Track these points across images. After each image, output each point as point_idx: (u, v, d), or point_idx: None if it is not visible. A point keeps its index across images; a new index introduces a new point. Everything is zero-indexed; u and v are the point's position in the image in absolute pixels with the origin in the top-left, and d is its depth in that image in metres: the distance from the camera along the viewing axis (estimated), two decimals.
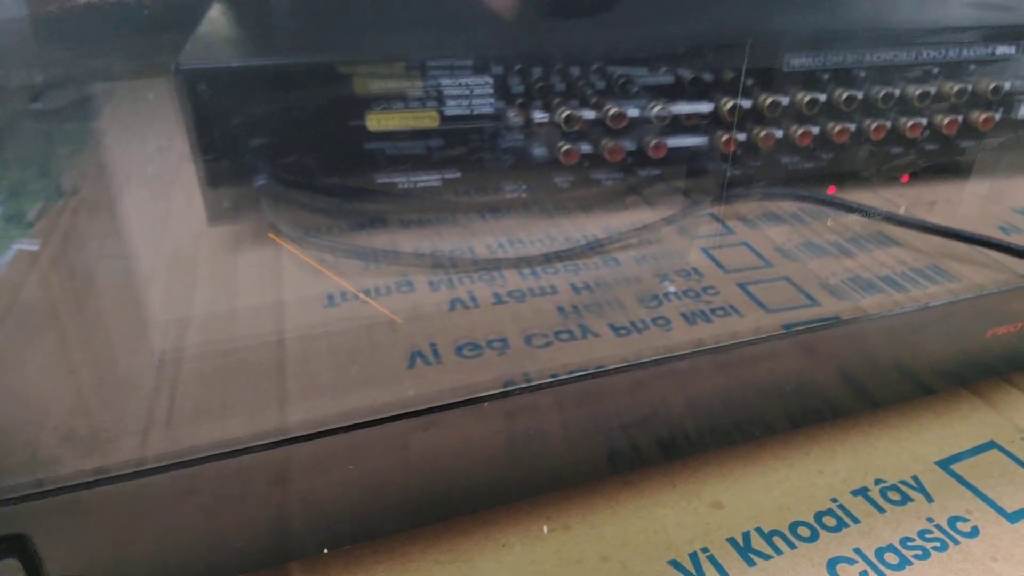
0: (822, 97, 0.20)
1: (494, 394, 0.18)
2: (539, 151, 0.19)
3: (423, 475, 0.18)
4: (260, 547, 0.17)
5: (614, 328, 0.21)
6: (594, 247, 0.22)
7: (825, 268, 0.23)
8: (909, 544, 0.20)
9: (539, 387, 0.18)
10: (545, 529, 0.20)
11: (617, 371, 0.19)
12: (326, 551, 0.18)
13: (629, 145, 0.19)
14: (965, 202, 0.24)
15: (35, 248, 0.12)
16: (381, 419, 0.17)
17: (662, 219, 0.22)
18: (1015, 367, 0.26)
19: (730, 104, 0.19)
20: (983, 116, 0.22)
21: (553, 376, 0.19)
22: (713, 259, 0.23)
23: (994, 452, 0.23)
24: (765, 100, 0.20)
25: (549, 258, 0.21)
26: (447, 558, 0.19)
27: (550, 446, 0.19)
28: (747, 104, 0.20)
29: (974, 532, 0.21)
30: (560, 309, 0.21)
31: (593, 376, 0.19)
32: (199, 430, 0.16)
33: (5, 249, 0.12)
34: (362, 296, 0.17)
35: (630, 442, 0.21)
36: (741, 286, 0.23)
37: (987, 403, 0.25)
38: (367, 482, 0.18)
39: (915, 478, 0.22)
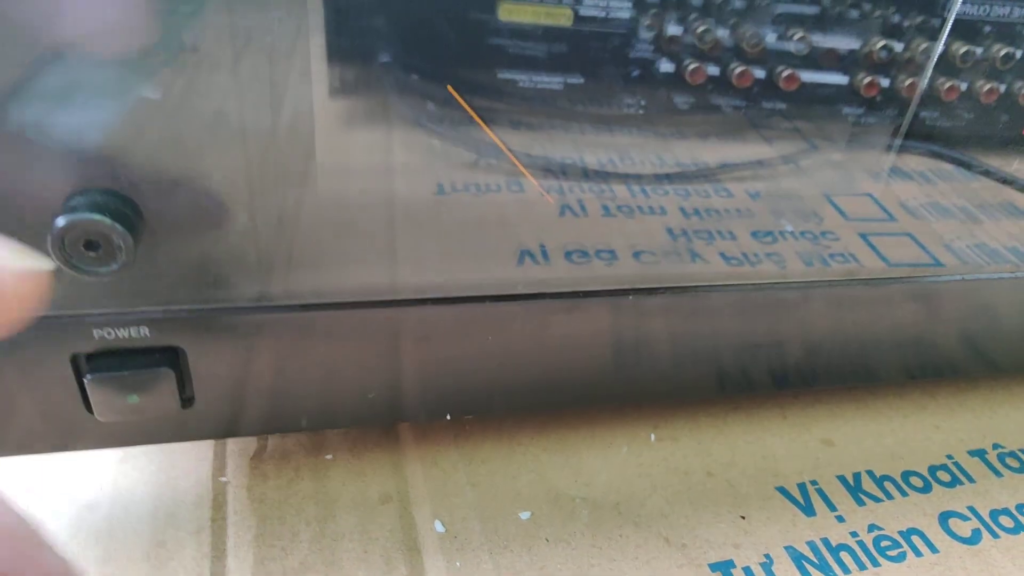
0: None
1: (624, 290, 0.17)
2: (666, 67, 0.18)
3: (541, 362, 0.18)
4: (376, 403, 0.18)
5: (724, 256, 0.20)
6: (717, 174, 0.21)
7: (951, 230, 0.22)
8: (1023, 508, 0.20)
9: (655, 291, 0.18)
10: (652, 436, 0.20)
11: (729, 288, 0.19)
12: (447, 416, 0.18)
13: (759, 73, 0.18)
14: None
15: (156, 97, 0.12)
16: (514, 296, 0.17)
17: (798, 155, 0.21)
18: None
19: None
20: None
21: (667, 284, 0.18)
22: (836, 206, 0.22)
23: None
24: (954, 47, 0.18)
25: (662, 179, 0.20)
26: (556, 447, 0.20)
27: (662, 356, 0.19)
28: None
29: None
30: (669, 230, 0.20)
31: (706, 290, 0.19)
32: (342, 277, 0.16)
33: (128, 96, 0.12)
34: (513, 160, 0.17)
35: (741, 366, 0.21)
36: (862, 236, 0.22)
37: None
38: (486, 358, 0.18)
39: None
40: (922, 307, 0.21)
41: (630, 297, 0.18)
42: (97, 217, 0.12)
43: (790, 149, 0.20)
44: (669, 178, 0.19)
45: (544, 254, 0.19)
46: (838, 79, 0.19)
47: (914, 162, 0.21)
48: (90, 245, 0.13)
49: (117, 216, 0.13)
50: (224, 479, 0.18)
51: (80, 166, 0.13)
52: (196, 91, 0.13)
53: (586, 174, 0.18)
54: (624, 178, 0.18)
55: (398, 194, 0.15)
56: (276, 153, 0.14)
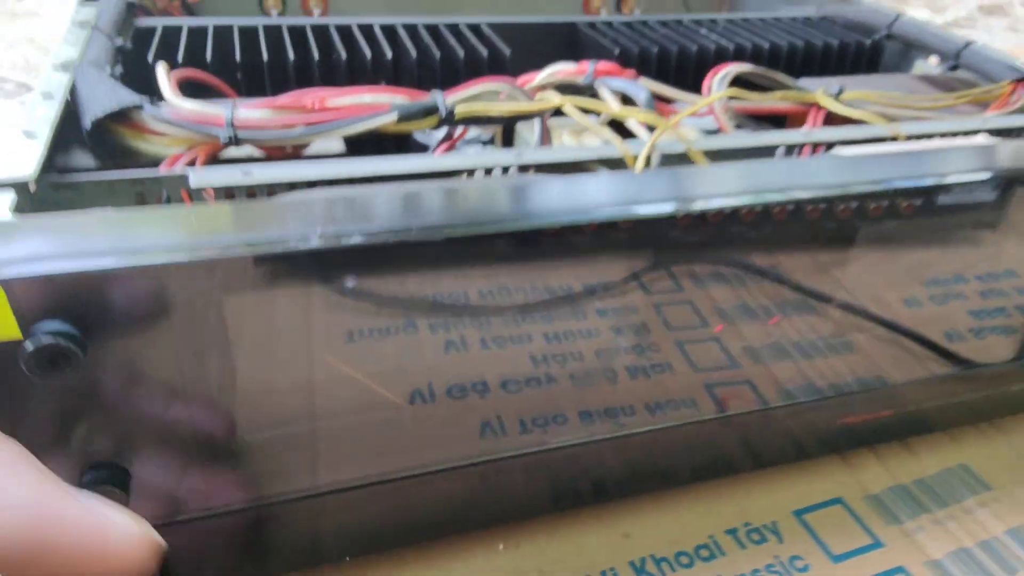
0: None
1: (468, 464, 0.26)
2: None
3: (418, 510, 0.26)
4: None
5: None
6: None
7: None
8: (757, 573, 0.28)
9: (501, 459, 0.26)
10: (501, 546, 0.28)
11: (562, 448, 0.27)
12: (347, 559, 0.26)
13: None
14: None
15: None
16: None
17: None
18: (876, 440, 0.34)
19: None
20: None
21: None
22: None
23: (839, 507, 0.32)
24: None
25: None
26: (430, 559, 0.28)
27: (509, 491, 0.27)
28: None
29: (806, 568, 0.29)
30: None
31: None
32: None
33: None
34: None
35: (569, 489, 0.29)
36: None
37: (846, 465, 0.33)
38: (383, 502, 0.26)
39: (774, 523, 0.30)
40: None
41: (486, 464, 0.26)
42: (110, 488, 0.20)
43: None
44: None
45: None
46: None
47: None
48: None
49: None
50: None
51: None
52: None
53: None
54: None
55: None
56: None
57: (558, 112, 0.32)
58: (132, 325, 0.18)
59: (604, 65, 0.34)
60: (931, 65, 0.44)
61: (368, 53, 0.37)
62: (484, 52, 0.38)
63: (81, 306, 0.17)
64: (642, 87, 0.32)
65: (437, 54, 0.37)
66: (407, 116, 0.28)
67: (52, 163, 0.24)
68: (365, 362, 0.22)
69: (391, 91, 0.29)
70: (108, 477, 0.20)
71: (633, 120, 0.30)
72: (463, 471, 0.26)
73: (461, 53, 0.38)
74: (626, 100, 0.33)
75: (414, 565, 0.28)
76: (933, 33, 0.44)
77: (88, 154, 0.26)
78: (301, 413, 0.22)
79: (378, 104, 0.28)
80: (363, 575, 0.27)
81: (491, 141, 0.33)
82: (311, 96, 0.28)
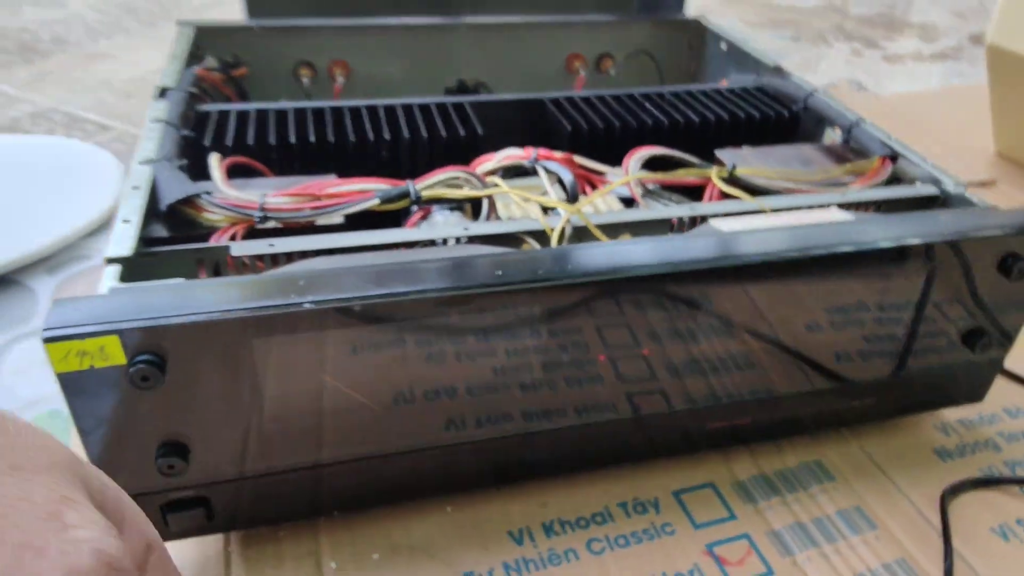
0: None
1: (432, 447, 0.36)
2: None
3: (391, 480, 0.37)
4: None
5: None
6: None
7: None
8: (636, 535, 0.39)
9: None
10: (448, 509, 0.39)
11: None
12: (335, 513, 0.37)
13: None
14: None
15: None
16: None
17: None
18: (753, 440, 0.44)
19: None
20: None
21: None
22: None
23: (709, 489, 0.42)
24: None
25: None
26: (398, 518, 0.39)
27: (460, 469, 0.38)
28: None
29: (673, 532, 0.39)
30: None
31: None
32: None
33: None
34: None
35: (505, 469, 0.40)
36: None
37: (725, 459, 0.44)
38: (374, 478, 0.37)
39: (656, 499, 0.41)
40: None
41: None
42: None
43: None
44: None
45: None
46: None
47: None
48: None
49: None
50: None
51: None
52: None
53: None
54: None
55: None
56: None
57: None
58: (196, 360, 0.29)
59: (543, 151, 0.44)
60: (836, 134, 0.54)
61: (371, 136, 0.48)
62: (462, 132, 0.49)
63: (162, 346, 0.29)
64: (567, 171, 0.43)
65: (425, 135, 0.48)
66: (387, 200, 0.39)
67: (142, 239, 0.36)
68: (358, 374, 0.33)
69: (377, 181, 0.40)
70: (173, 451, 0.32)
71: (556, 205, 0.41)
72: (427, 453, 0.36)
73: (445, 134, 0.49)
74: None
75: (384, 521, 0.39)
76: (835, 109, 0.54)
77: (164, 228, 0.38)
78: (308, 416, 0.33)
79: (366, 191, 0.39)
80: (347, 526, 0.38)
81: (460, 208, 0.44)
82: (318, 186, 0.39)
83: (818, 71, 1.14)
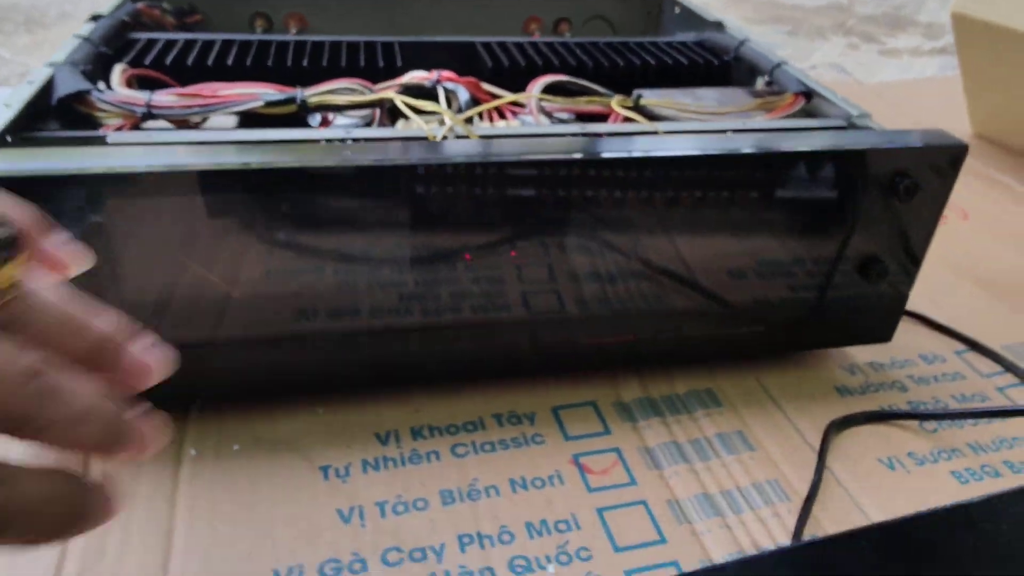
0: None
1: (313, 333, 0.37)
2: None
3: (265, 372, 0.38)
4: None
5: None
6: None
7: None
8: (503, 442, 0.39)
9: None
10: (320, 411, 0.40)
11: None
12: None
13: None
14: None
15: None
16: None
17: None
18: (643, 365, 0.43)
19: None
20: None
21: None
22: None
23: (590, 408, 0.41)
24: None
25: None
26: (265, 415, 0.39)
27: (335, 367, 0.39)
28: None
29: (543, 442, 0.39)
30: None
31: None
32: None
33: None
34: None
35: (373, 373, 0.40)
36: None
37: (612, 381, 0.43)
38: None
39: (533, 413, 0.41)
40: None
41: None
42: None
43: None
44: None
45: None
46: None
47: None
48: None
49: None
50: None
51: None
52: None
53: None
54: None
55: None
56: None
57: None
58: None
59: (447, 73, 0.45)
60: (764, 81, 0.53)
61: (290, 63, 0.49)
62: (381, 63, 0.50)
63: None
64: (464, 90, 0.43)
65: (344, 63, 0.49)
66: (271, 103, 0.40)
67: (27, 126, 0.37)
68: (210, 251, 0.33)
69: (267, 86, 0.41)
70: None
71: (441, 112, 0.41)
72: (292, 345, 0.37)
73: (363, 62, 0.49)
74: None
75: (253, 417, 0.39)
76: (762, 55, 0.53)
77: (57, 123, 0.39)
78: (164, 291, 0.34)
79: (253, 94, 0.40)
80: (218, 419, 0.39)
81: (369, 124, 0.44)
82: (209, 87, 0.40)
83: (807, 61, 1.13)
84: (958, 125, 0.83)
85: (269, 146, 0.34)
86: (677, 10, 0.69)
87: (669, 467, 0.38)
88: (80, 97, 0.39)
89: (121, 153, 0.33)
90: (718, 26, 0.60)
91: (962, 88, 0.80)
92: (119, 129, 0.39)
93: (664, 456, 0.39)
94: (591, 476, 0.37)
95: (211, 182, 0.32)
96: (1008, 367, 0.46)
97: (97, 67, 0.45)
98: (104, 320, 0.21)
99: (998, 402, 0.44)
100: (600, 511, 0.35)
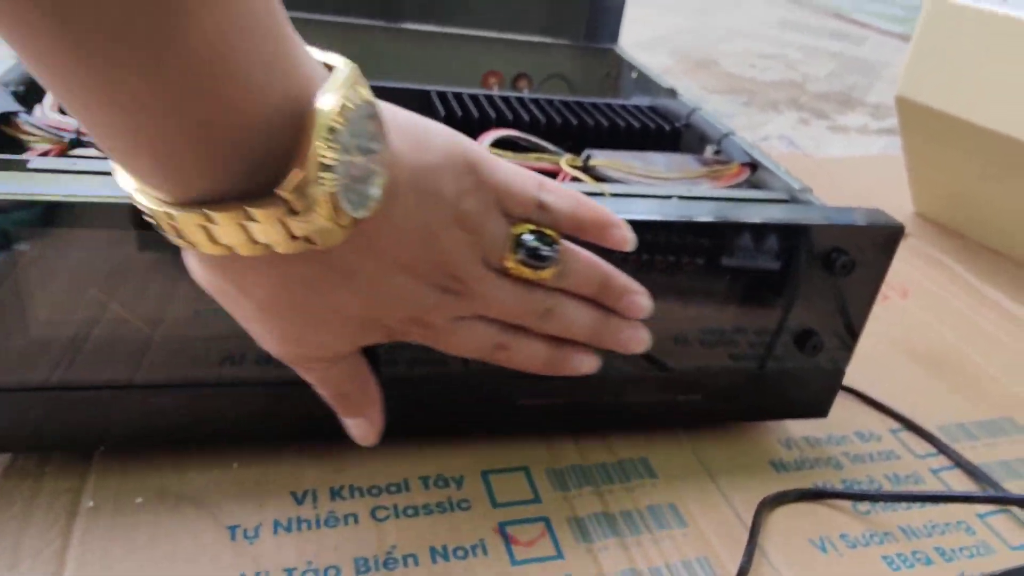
0: None
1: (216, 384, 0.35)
2: None
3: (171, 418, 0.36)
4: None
5: None
6: None
7: None
8: (427, 507, 0.37)
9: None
10: (235, 465, 0.37)
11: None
12: (101, 448, 0.35)
13: None
14: None
15: None
16: None
17: None
18: (580, 430, 0.42)
19: None
20: None
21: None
22: None
23: (521, 473, 0.40)
24: None
25: None
26: (173, 465, 0.37)
27: (253, 418, 0.36)
28: None
29: (469, 508, 0.37)
30: None
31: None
32: None
33: None
34: None
35: (308, 425, 0.38)
36: None
37: (548, 447, 0.42)
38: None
39: (461, 476, 0.39)
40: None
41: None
42: None
43: None
44: None
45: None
46: None
47: None
48: None
49: None
50: None
51: None
52: None
53: None
54: None
55: None
56: None
57: None
58: None
59: None
60: (712, 150, 0.54)
61: None
62: None
63: None
64: None
65: None
66: None
67: None
68: (126, 288, 0.31)
69: None
70: None
71: None
72: (207, 392, 0.35)
73: None
74: None
75: (162, 468, 0.37)
76: (711, 124, 0.54)
77: None
78: (76, 328, 0.32)
79: None
80: (122, 468, 0.36)
81: None
82: None
83: (759, 132, 1.16)
84: (901, 203, 0.85)
85: None
86: (634, 75, 0.70)
87: (599, 540, 0.37)
88: (7, 119, 0.37)
89: (40, 180, 0.31)
90: (671, 93, 0.61)
91: (905, 168, 0.82)
92: (44, 154, 0.37)
93: (594, 528, 0.37)
94: (516, 548, 0.35)
95: (123, 216, 0.30)
96: (942, 449, 0.46)
97: (31, 89, 0.43)
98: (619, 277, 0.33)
99: (931, 484, 0.44)
100: None
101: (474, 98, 0.55)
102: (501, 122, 0.52)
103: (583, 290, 0.32)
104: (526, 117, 0.53)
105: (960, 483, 0.44)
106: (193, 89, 0.19)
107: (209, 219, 0.21)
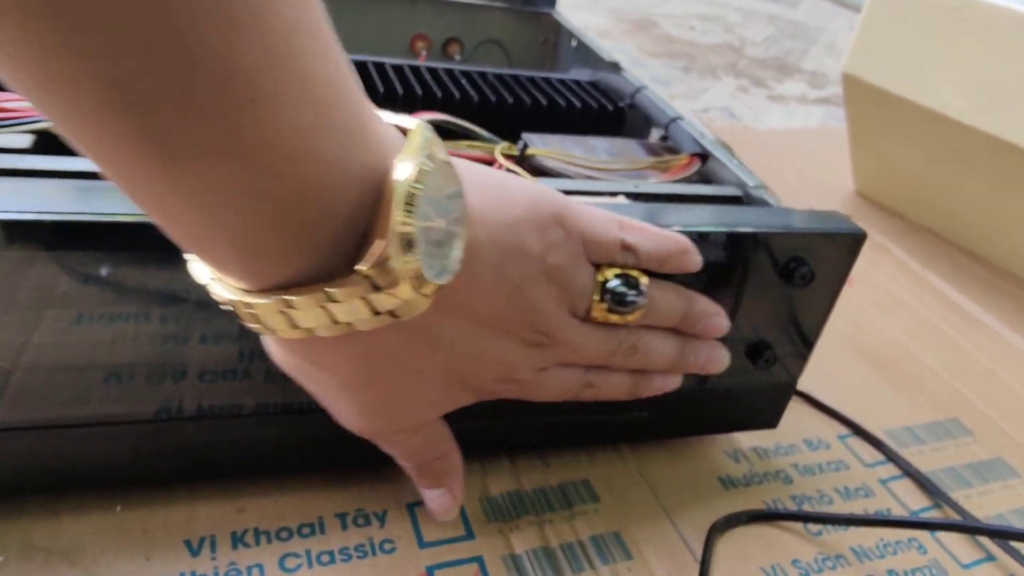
0: None
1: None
2: None
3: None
4: None
5: None
6: None
7: None
8: (344, 551, 0.33)
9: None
10: (118, 508, 0.32)
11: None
12: None
13: None
14: None
15: None
16: None
17: None
18: (518, 448, 0.38)
19: None
20: None
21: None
22: None
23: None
24: None
25: None
26: (52, 512, 0.31)
27: (135, 458, 0.31)
28: None
29: (393, 550, 0.33)
30: None
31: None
32: None
33: None
34: None
35: (202, 461, 0.33)
36: None
37: (483, 469, 0.38)
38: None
39: (385, 511, 0.35)
40: None
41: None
42: None
43: None
44: None
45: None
46: None
47: None
48: None
49: None
50: None
51: None
52: None
53: None
54: None
55: None
56: None
57: None
58: None
59: None
60: (659, 136, 0.50)
61: None
62: None
63: None
64: None
65: None
66: None
67: None
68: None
69: None
70: None
71: None
72: (75, 430, 0.30)
73: None
74: None
75: (31, 517, 0.31)
76: (657, 107, 0.50)
77: None
78: None
79: None
80: None
81: None
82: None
83: (699, 101, 1.13)
84: (842, 180, 0.84)
85: (84, 182, 0.27)
86: (574, 43, 0.65)
87: None
88: None
89: None
90: (615, 67, 0.57)
91: (848, 144, 0.80)
92: None
93: (532, 566, 0.34)
94: None
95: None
96: (890, 456, 0.44)
97: None
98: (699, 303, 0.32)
99: (881, 498, 0.42)
100: None
101: (398, 70, 0.50)
102: (430, 99, 0.47)
103: (666, 324, 0.31)
104: (457, 94, 0.47)
105: (909, 494, 0.42)
106: (274, 175, 0.18)
107: (289, 304, 0.21)
